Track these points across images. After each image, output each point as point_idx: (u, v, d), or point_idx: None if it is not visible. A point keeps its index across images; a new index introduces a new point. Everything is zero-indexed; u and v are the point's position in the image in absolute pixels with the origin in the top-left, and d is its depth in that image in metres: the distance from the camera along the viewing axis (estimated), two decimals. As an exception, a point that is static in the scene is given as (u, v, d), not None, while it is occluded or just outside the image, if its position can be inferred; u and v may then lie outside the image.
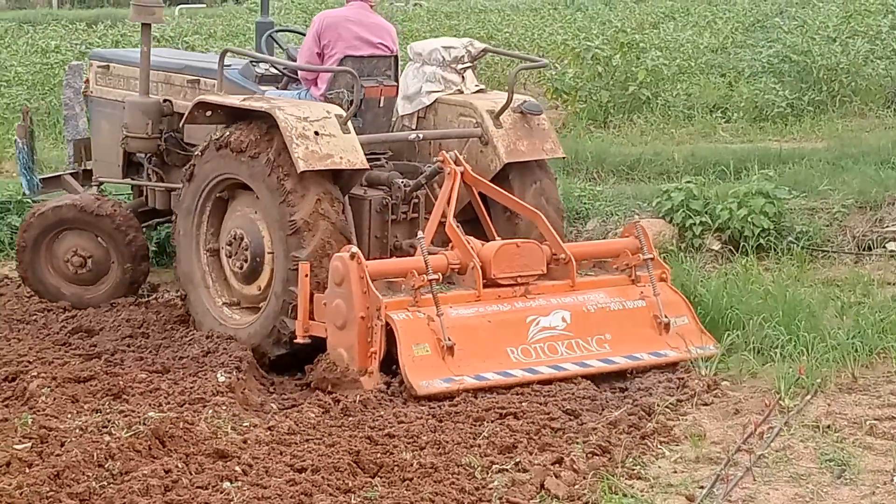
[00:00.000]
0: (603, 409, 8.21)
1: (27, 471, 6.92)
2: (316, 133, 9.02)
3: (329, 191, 9.14)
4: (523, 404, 8.22)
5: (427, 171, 9.71)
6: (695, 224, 12.27)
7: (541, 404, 8.25)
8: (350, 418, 8.05)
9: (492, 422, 7.92)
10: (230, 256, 9.62)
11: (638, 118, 16.90)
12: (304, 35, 10.43)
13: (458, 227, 9.17)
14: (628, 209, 12.82)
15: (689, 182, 12.69)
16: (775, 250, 11.92)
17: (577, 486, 6.96)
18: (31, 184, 11.25)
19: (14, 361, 8.97)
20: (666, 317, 9.14)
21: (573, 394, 8.47)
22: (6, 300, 10.98)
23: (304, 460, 7.21)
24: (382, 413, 8.10)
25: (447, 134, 10.14)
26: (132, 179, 11.08)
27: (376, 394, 8.37)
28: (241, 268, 9.54)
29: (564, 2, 36.36)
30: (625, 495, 6.88)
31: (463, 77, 10.45)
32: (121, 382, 8.43)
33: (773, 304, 9.65)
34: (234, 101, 9.48)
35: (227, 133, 9.39)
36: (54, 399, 8.15)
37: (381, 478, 7.09)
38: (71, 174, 11.45)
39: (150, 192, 10.86)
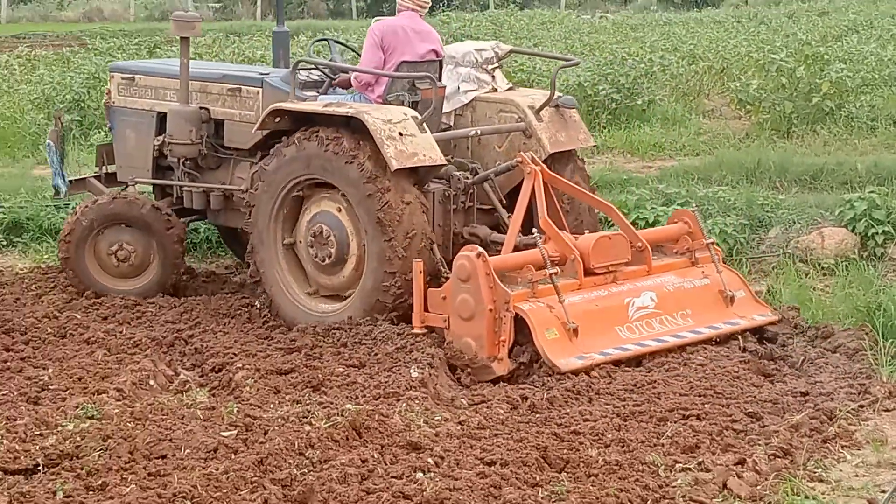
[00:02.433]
0: (784, 413, 8.10)
1: (233, 457, 7.07)
2: (400, 134, 9.57)
3: (415, 186, 9.72)
4: (706, 406, 8.15)
5: (500, 167, 10.34)
6: (877, 233, 12.05)
7: (722, 406, 8.18)
8: (537, 415, 8.06)
9: (675, 422, 7.87)
10: (312, 248, 10.00)
11: (821, 129, 16.61)
12: (344, 45, 11.58)
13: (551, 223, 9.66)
14: (811, 218, 12.64)
15: (871, 192, 12.47)
16: (958, 260, 11.64)
17: (759, 487, 6.88)
18: (62, 185, 11.54)
19: (220, 353, 9.16)
20: (730, 291, 9.73)
21: (755, 397, 8.39)
22: (213, 295, 11.20)
23: (493, 454, 7.25)
24: (568, 411, 8.10)
25: (499, 129, 10.64)
26: (169, 180, 11.36)
27: (562, 392, 8.38)
28: (325, 260, 9.96)
29: (748, 14, 35.87)
30: (806, 497, 6.79)
31: (493, 76, 10.81)
32: (320, 375, 8.55)
33: (956, 314, 9.43)
34: (316, 107, 9.89)
35: (310, 137, 9.80)
36: (258, 389, 8.31)
37: (567, 473, 7.10)
38: (94, 177, 11.80)
39: (186, 192, 11.16)
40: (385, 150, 9.47)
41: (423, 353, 8.89)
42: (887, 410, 8.23)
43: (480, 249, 9.07)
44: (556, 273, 9.17)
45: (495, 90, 10.91)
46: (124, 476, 6.81)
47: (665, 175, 14.66)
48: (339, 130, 9.74)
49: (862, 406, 8.23)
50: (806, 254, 12.16)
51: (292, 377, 8.59)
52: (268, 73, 10.93)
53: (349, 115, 9.66)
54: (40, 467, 7.03)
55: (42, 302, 10.79)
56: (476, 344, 8.97)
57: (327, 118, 9.85)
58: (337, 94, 10.63)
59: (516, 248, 9.68)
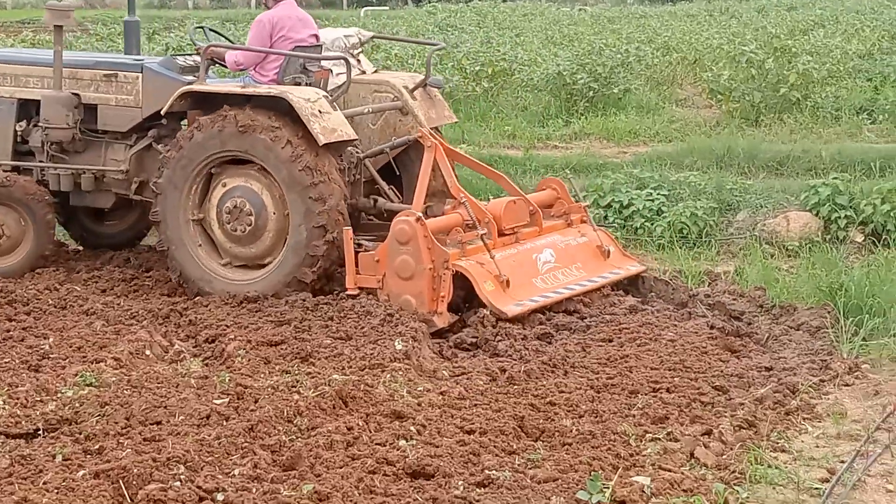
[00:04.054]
0: (750, 387, 8.11)
1: (224, 423, 7.06)
2: (319, 111, 9.83)
3: (336, 160, 10.04)
4: (675, 379, 8.17)
5: (396, 141, 10.87)
6: (840, 218, 12.09)
7: (691, 380, 8.20)
8: (515, 386, 8.07)
9: (645, 394, 7.89)
10: (228, 222, 10.13)
11: (788, 118, 16.63)
12: (220, 35, 11.53)
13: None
14: (777, 202, 12.67)
15: (835, 178, 12.51)
16: (916, 244, 11.67)
17: (724, 457, 6.89)
18: None
19: (213, 325, 9.15)
20: (606, 246, 10.40)
21: (721, 371, 8.41)
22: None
23: (472, 423, 7.25)
24: (544, 383, 8.11)
25: (383, 107, 10.98)
26: (34, 163, 11.19)
27: (539, 365, 8.40)
28: (241, 232, 10.11)
29: (720, 8, 35.86)
30: (769, 466, 6.80)
31: (359, 60, 11.04)
32: (308, 347, 8.53)
33: (914, 294, 9.46)
34: (233, 88, 10.15)
35: (229, 116, 9.93)
36: (249, 360, 8.30)
37: (542, 442, 7.10)
38: None
39: (52, 175, 11.05)
40: (312, 127, 9.69)
41: (407, 326, 8.88)
42: (847, 385, 8.26)
43: (419, 214, 9.44)
44: (485, 233, 9.64)
45: (363, 73, 11.16)
46: (120, 441, 6.80)
47: (639, 160, 14.68)
48: (261, 109, 9.90)
49: (823, 381, 8.25)
50: (772, 236, 12.19)
51: (282, 348, 8.58)
52: (143, 59, 11.14)
53: (272, 94, 9.88)
54: (40, 432, 7.02)
55: (41, 275, 10.74)
56: (416, 301, 9.29)
57: (237, 98, 10.01)
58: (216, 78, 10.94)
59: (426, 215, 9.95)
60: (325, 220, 9.79)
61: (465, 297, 9.52)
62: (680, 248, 11.98)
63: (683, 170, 13.86)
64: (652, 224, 12.51)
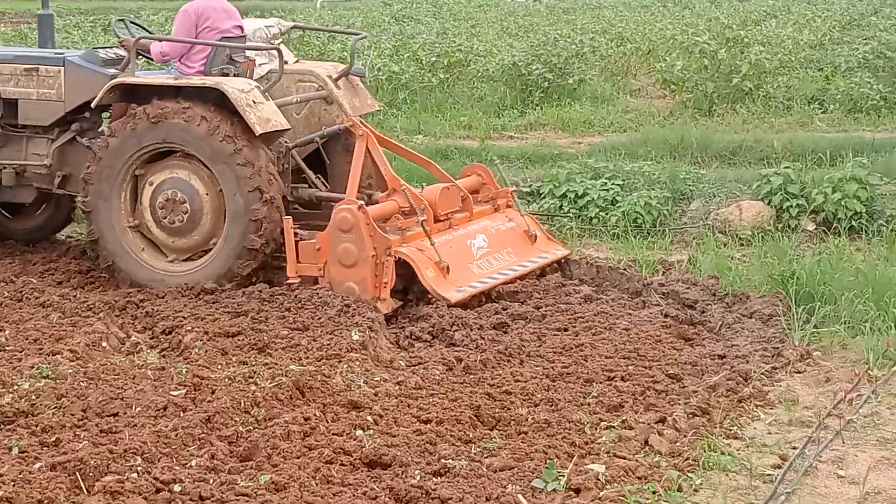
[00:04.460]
0: (703, 375, 8.15)
1: (182, 415, 7.03)
2: (254, 101, 9.80)
3: (269, 150, 10.02)
4: (629, 368, 8.20)
5: (327, 130, 10.79)
6: (791, 206, 12.16)
7: (645, 368, 8.23)
8: (471, 376, 8.09)
9: (600, 383, 7.92)
10: (164, 217, 10.05)
11: (741, 108, 16.70)
12: (141, 27, 11.27)
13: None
14: (730, 191, 12.73)
15: (787, 168, 12.58)
16: (866, 232, 11.75)
17: (678, 444, 6.92)
18: None
19: (171, 316, 9.10)
20: (533, 231, 10.54)
21: (675, 359, 8.44)
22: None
23: (428, 412, 7.25)
24: (500, 372, 8.13)
25: (309, 97, 10.95)
26: None
27: (495, 354, 8.42)
28: (177, 223, 10.04)
29: (673, -1, 35.95)
30: (722, 453, 6.83)
31: (280, 51, 10.89)
32: (265, 338, 8.51)
33: (864, 282, 9.52)
34: (166, 80, 10.09)
35: (160, 110, 9.86)
36: (206, 351, 8.26)
37: (498, 431, 7.11)
38: None
39: None
40: (248, 117, 9.66)
41: (363, 317, 8.87)
42: (798, 372, 8.31)
43: (360, 202, 9.48)
44: (425, 219, 9.69)
45: (286, 62, 11.03)
46: (77, 433, 6.75)
47: (594, 150, 14.70)
48: (192, 101, 9.86)
49: (775, 368, 8.30)
50: (725, 225, 12.24)
51: (239, 339, 8.54)
52: (64, 53, 11.01)
53: (206, 85, 9.85)
54: (-3, 424, 6.97)
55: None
56: (360, 288, 9.35)
57: (168, 90, 9.97)
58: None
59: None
60: (262, 215, 9.78)
61: (406, 284, 9.58)
62: (634, 237, 12.02)
63: (638, 160, 13.90)
64: (607, 213, 12.54)
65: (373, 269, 9.36)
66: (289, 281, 9.64)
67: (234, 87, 9.78)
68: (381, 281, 9.37)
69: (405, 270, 9.44)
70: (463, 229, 10.15)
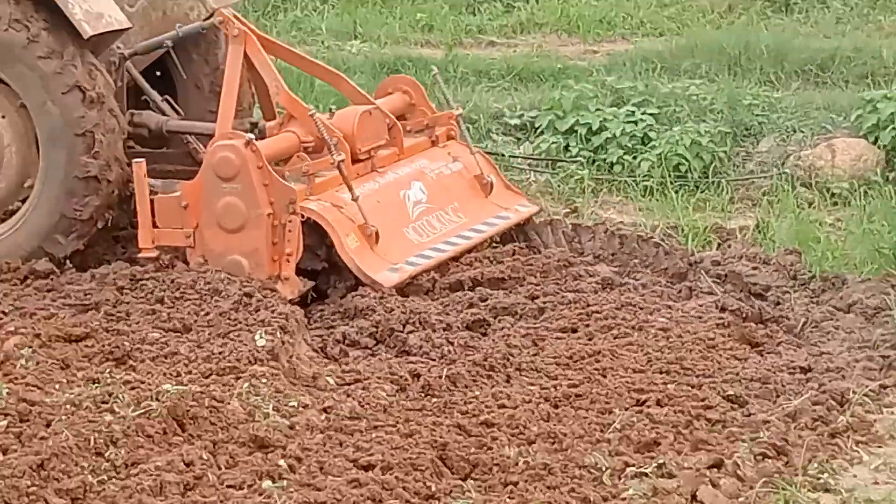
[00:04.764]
0: (778, 396, 8.18)
1: (1, 458, 7.00)
2: None
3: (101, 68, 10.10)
4: (669, 386, 8.22)
5: (184, 29, 10.73)
6: (910, 147, 12.22)
7: (692, 387, 8.25)
8: (434, 399, 8.10)
9: (626, 410, 7.94)
10: None
11: (833, 0, 16.73)
12: None
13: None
14: (817, 124, 12.76)
15: (902, 89, 12.62)
16: None
17: (741, 499, 6.95)
18: None
19: (-20, 312, 9.10)
20: (488, 176, 10.66)
21: (737, 374, 8.46)
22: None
23: (371, 454, 7.24)
24: (477, 393, 8.14)
25: None
26: None
27: (469, 367, 8.43)
28: None
29: None
30: (807, 513, 6.88)
31: None
32: (126, 343, 8.49)
33: None
34: None
35: None
36: (38, 363, 8.21)
37: (475, 480, 7.12)
38: None
39: None
40: (72, 12, 9.71)
41: (273, 311, 8.87)
42: (921, 393, 8.36)
43: (249, 136, 9.50)
44: (343, 160, 9.66)
45: None
46: None
47: (615, 63, 14.72)
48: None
49: (885, 387, 8.33)
50: (810, 175, 12.28)
51: (87, 346, 8.52)
52: None
53: None
54: None
55: None
56: (250, 262, 9.44)
57: None
58: None
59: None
60: (92, 122, 9.82)
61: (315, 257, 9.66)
62: (676, 192, 12.04)
63: (681, 77, 13.92)
64: (635, 158, 12.58)
65: (269, 233, 9.42)
66: (142, 255, 9.71)
67: None
68: (281, 252, 9.41)
69: (314, 239, 9.50)
70: (392, 174, 10.26)
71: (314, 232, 9.47)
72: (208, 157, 9.55)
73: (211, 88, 10.91)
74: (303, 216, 9.41)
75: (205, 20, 10.67)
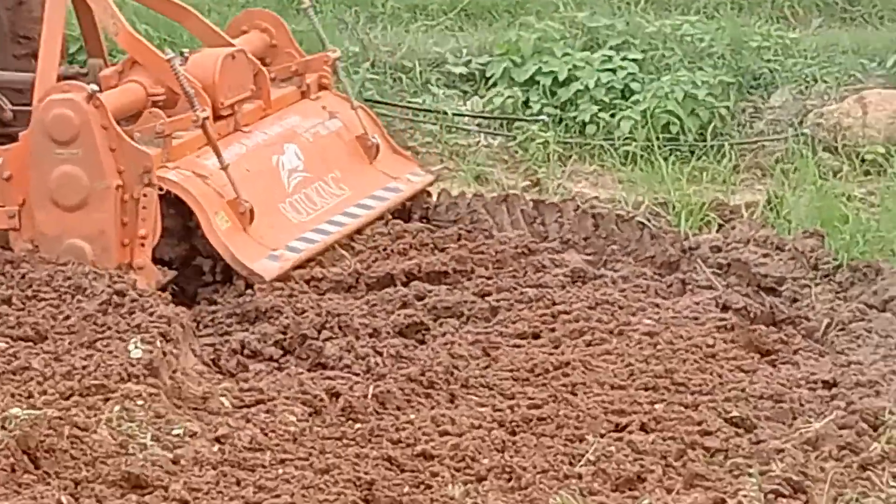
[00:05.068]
0: (795, 418, 8.22)
1: None
2: None
3: None
4: (657, 406, 8.26)
5: None
6: (962, 101, 12.28)
7: (686, 407, 8.29)
8: (358, 425, 8.13)
9: (602, 436, 7.97)
10: None
11: None
12: None
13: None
14: (844, 71, 12.81)
15: (952, 27, 12.70)
16: None
17: (749, 550, 7.01)
18: None
19: None
20: (372, 137, 10.99)
21: (743, 390, 8.50)
22: None
23: (277, 496, 7.28)
24: (413, 417, 8.17)
25: None
26: None
27: (402, 384, 8.45)
28: None
29: None
30: (833, 566, 6.93)
31: None
32: (-40, 355, 8.51)
33: None
34: None
35: None
36: None
37: (410, 529, 7.16)
38: None
39: None
40: None
41: (152, 314, 8.87)
42: (974, 413, 8.41)
43: (91, 88, 9.51)
44: (207, 117, 9.76)
45: None
46: None
47: (588, -6, 14.76)
48: None
49: (930, 405, 8.39)
50: (835, 137, 12.34)
51: None
52: None
53: None
54: None
55: None
56: (94, 248, 9.55)
57: None
58: None
59: None
60: None
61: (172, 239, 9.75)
62: (665, 159, 12.08)
63: (671, 13, 13.96)
64: (613, 117, 12.62)
65: (118, 211, 9.48)
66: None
67: None
68: (133, 234, 9.45)
69: (175, 220, 9.59)
70: (260, 134, 10.41)
71: (174, 209, 9.55)
72: (39, 115, 9.53)
73: (12, 27, 10.92)
74: (161, 189, 9.44)
75: None
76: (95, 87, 9.49)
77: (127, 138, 9.44)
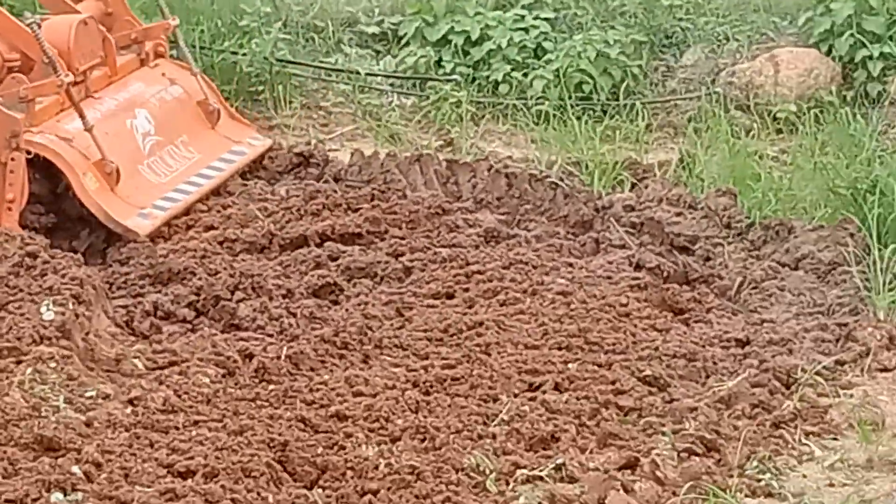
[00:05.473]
0: (708, 377, 8.24)
1: None
2: None
3: None
4: (570, 366, 8.26)
5: None
6: (871, 58, 12.26)
7: (599, 366, 8.30)
8: (271, 386, 8.12)
9: (515, 395, 7.98)
10: None
11: None
12: None
13: None
14: (755, 29, 12.82)
15: (863, -14, 12.69)
16: None
17: (661, 509, 7.01)
18: None
19: None
20: (214, 103, 11.29)
21: (656, 349, 8.51)
22: None
23: (190, 458, 7.24)
24: (327, 378, 8.16)
25: None
26: None
27: (316, 344, 8.44)
28: None
29: None
30: (744, 525, 6.95)
31: None
32: None
33: None
34: None
35: None
36: None
37: (323, 489, 7.14)
38: None
39: None
40: None
41: (64, 276, 8.81)
42: (885, 370, 8.40)
43: None
44: (71, 81, 9.91)
45: None
46: None
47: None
48: None
49: (842, 363, 8.39)
50: (747, 95, 12.34)
51: None
52: None
53: None
54: None
55: None
56: None
57: None
58: None
59: None
60: None
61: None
62: (578, 119, 12.07)
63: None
64: (525, 76, 12.59)
65: None
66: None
67: None
68: (1, 198, 9.51)
69: (42, 185, 9.70)
70: (110, 100, 10.43)
71: (40, 173, 9.63)
72: None
73: None
74: (28, 152, 9.50)
75: None
76: None
77: None
